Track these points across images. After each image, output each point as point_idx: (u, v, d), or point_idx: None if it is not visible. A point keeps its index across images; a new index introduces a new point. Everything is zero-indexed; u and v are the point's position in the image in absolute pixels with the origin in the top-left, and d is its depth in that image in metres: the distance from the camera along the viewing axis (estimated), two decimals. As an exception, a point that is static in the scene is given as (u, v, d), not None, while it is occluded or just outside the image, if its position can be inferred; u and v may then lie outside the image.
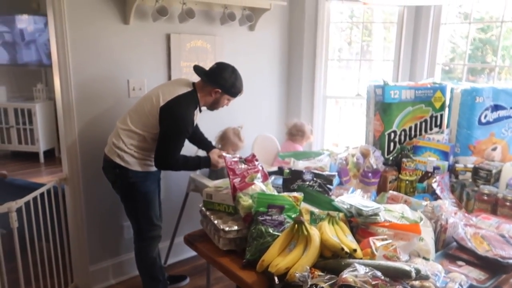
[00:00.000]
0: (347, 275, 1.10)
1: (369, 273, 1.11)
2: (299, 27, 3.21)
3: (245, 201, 1.51)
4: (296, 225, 1.33)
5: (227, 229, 1.47)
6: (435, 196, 1.87)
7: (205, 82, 2.20)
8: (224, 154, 1.61)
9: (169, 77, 2.68)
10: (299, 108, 3.28)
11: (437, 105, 2.33)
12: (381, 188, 2.05)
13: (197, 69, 2.26)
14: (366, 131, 2.51)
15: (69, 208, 2.45)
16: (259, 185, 1.58)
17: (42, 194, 2.33)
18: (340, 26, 3.59)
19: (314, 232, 1.31)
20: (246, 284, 1.32)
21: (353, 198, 1.56)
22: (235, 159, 1.62)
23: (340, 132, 3.88)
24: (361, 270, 1.11)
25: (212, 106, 2.30)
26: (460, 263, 1.37)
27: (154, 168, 2.27)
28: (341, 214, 1.48)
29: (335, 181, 1.80)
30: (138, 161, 2.20)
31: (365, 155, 2.10)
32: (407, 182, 2.02)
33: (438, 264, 1.28)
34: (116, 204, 2.60)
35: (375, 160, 2.00)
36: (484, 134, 2.13)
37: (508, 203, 1.68)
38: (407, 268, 1.11)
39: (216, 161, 2.24)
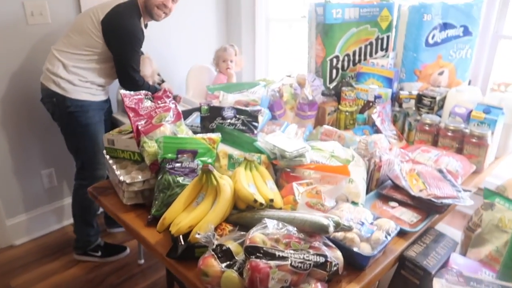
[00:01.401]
0: (255, 234, 0.92)
1: (282, 229, 0.94)
2: None
3: (151, 146, 1.27)
4: (205, 175, 1.12)
5: (128, 181, 1.24)
6: (375, 128, 1.71)
7: None
8: (122, 91, 1.32)
9: (78, 1, 2.24)
10: (239, 33, 2.95)
11: (384, 25, 2.09)
12: (320, 121, 1.86)
13: None
14: (308, 57, 2.26)
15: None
16: (168, 127, 1.33)
17: None
18: None
19: (225, 181, 1.10)
20: (149, 245, 1.13)
21: (278, 137, 1.36)
22: (138, 96, 1.34)
23: (291, 58, 3.61)
24: (272, 226, 0.94)
25: (148, 5, 2.04)
26: (393, 204, 1.24)
27: (98, 98, 2.08)
28: (263, 157, 1.29)
29: (265, 116, 1.59)
30: (78, 88, 1.98)
31: (301, 84, 1.87)
32: (347, 113, 1.84)
33: (366, 209, 1.13)
34: (33, 149, 2.30)
35: (311, 90, 1.78)
36: (432, 57, 1.94)
37: (449, 133, 1.54)
38: (324, 222, 0.94)
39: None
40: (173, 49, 2.54)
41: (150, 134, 1.31)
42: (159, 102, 1.39)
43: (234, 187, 1.10)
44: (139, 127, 1.31)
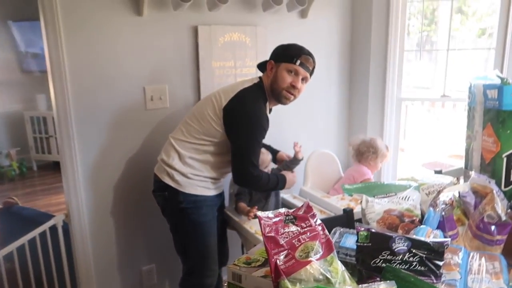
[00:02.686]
0: None
1: None
2: (365, 10, 2.50)
3: (295, 296, 0.88)
4: None
5: None
6: None
7: (264, 66, 1.86)
8: (258, 213, 0.98)
9: (198, 82, 2.12)
10: (365, 115, 2.58)
11: None
12: (507, 247, 1.32)
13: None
14: (468, 150, 1.76)
15: (75, 249, 1.97)
16: (317, 265, 0.94)
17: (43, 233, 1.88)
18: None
19: None
20: None
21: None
22: (277, 219, 0.99)
23: (406, 135, 3.16)
24: None
25: (275, 88, 1.80)
26: None
27: (213, 192, 1.84)
28: (472, 332, 0.81)
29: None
30: (192, 182, 1.77)
31: (480, 194, 1.38)
32: (553, 239, 1.27)
33: None
34: (133, 244, 2.09)
35: (502, 206, 1.27)
36: None
37: None
38: None
39: (292, 181, 1.91)
40: (290, 133, 2.26)
41: (293, 275, 0.92)
42: (303, 225, 1.02)
43: None
44: (279, 264, 0.93)
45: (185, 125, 1.80)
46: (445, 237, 1.28)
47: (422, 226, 1.24)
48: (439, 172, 1.86)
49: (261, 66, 1.88)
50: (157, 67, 2.00)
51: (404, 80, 2.55)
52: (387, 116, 2.53)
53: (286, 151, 2.20)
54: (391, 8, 2.43)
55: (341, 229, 1.30)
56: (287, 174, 1.93)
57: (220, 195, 1.92)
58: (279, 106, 1.95)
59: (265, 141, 2.08)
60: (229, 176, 1.89)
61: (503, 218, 1.24)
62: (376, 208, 1.39)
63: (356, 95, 2.64)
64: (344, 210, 1.48)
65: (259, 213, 0.97)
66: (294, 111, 2.44)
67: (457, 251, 1.21)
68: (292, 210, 1.06)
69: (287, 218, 1.01)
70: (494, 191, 1.32)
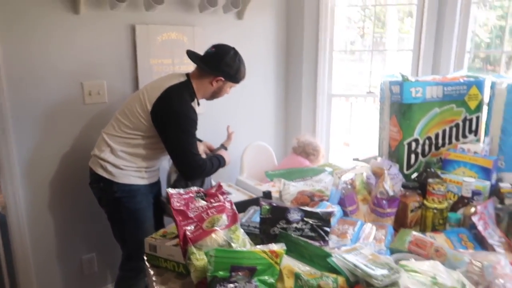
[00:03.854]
0: None
1: None
2: (298, 12, 2.70)
3: (199, 259, 1.03)
4: (266, 312, 0.84)
5: (169, 305, 0.99)
6: (474, 232, 1.36)
7: (203, 70, 1.88)
8: (169, 190, 1.12)
9: (136, 78, 2.21)
10: (299, 110, 2.77)
11: (472, 104, 1.80)
12: (400, 219, 1.53)
13: (192, 55, 1.91)
14: (380, 140, 1.99)
15: (12, 241, 2.01)
16: (221, 234, 1.09)
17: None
18: (352, 18, 3.08)
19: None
20: None
21: (358, 252, 1.06)
22: (188, 195, 1.13)
23: (352, 130, 3.38)
24: None
25: (213, 96, 1.99)
26: None
27: (147, 181, 1.93)
28: (340, 280, 0.99)
29: (336, 218, 1.30)
30: (125, 172, 1.85)
31: (378, 174, 1.59)
32: (435, 211, 1.50)
33: None
34: (72, 234, 2.16)
35: (391, 183, 1.48)
36: (539, 143, 1.60)
37: None
38: None
39: (228, 158, 2.07)
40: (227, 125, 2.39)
41: (200, 242, 1.07)
42: (212, 200, 1.17)
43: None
44: (187, 233, 1.07)
45: (116, 121, 1.87)
46: (345, 211, 1.48)
47: (324, 202, 1.43)
48: (357, 159, 2.06)
49: (194, 56, 1.90)
50: (95, 64, 2.07)
51: (347, 78, 2.75)
52: (319, 111, 2.74)
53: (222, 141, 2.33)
54: (321, 12, 2.63)
55: (256, 207, 1.47)
56: (221, 153, 2.08)
57: (155, 184, 2.01)
58: (217, 101, 2.08)
59: (204, 135, 2.21)
60: (165, 166, 2.00)
61: (390, 193, 1.45)
62: (291, 190, 1.57)
63: (291, 92, 2.82)
64: (264, 192, 1.64)
65: (169, 190, 1.11)
66: (232, 107, 2.58)
67: (355, 224, 1.41)
68: (204, 189, 1.20)
69: (198, 194, 1.16)
70: (385, 171, 1.53)
